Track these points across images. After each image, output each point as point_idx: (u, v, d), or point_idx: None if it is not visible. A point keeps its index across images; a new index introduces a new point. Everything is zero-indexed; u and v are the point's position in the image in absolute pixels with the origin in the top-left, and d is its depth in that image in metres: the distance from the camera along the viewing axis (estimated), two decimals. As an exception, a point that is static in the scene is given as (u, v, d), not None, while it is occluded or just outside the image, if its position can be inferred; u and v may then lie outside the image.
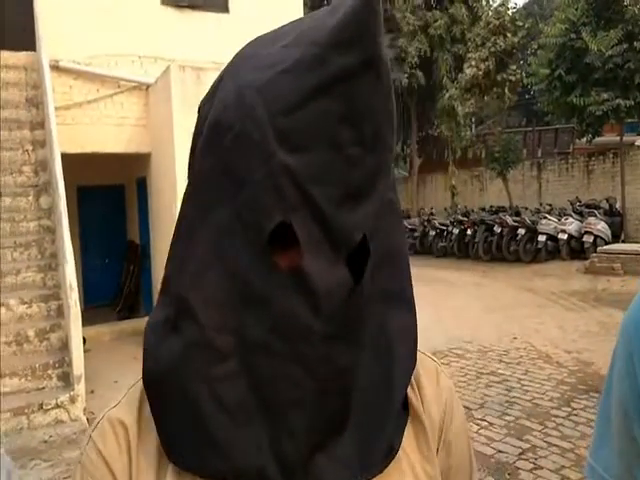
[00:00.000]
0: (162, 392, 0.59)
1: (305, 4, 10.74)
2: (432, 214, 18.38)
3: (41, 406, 5.10)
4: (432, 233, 16.88)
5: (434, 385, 0.72)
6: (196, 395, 0.56)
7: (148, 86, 8.63)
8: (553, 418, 4.74)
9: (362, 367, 0.60)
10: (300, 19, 0.62)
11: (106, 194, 10.99)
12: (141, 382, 0.64)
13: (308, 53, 0.54)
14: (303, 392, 0.56)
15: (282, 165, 0.53)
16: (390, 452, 0.62)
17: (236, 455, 0.56)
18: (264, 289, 0.55)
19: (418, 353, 0.69)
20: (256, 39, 0.63)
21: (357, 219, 0.56)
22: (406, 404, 0.66)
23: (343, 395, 0.59)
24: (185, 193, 0.62)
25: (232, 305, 0.56)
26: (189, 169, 0.65)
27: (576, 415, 4.77)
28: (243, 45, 0.64)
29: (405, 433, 0.65)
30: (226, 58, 0.69)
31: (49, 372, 5.44)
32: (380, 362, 0.62)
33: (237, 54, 0.63)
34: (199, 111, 0.64)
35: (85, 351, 5.61)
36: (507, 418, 4.80)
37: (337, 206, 0.55)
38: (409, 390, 0.68)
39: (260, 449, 0.56)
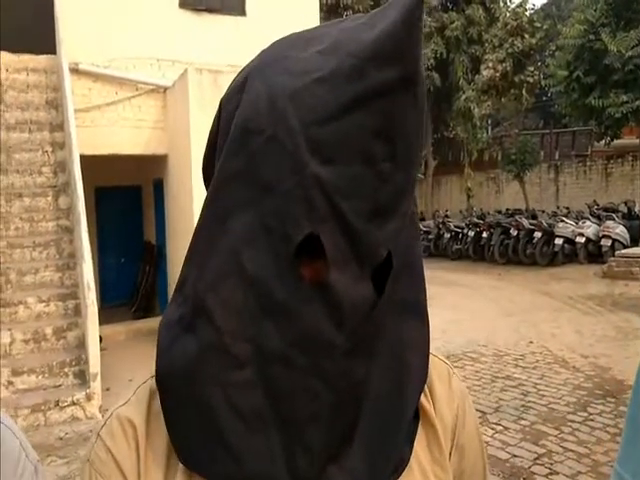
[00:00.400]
0: (175, 391, 0.58)
1: (321, 8, 10.76)
2: (447, 216, 18.28)
3: (57, 403, 5.17)
4: (447, 235, 16.79)
5: (446, 388, 0.71)
6: (210, 398, 0.56)
7: (166, 89, 8.71)
8: (569, 423, 4.70)
9: (375, 377, 0.59)
10: (330, 25, 0.60)
11: (123, 195, 11.10)
12: (150, 380, 0.63)
13: (346, 64, 0.52)
14: (321, 406, 0.55)
15: (314, 176, 0.52)
16: (400, 465, 0.61)
17: (249, 462, 0.55)
18: (288, 300, 0.54)
19: (430, 356, 0.69)
20: (285, 39, 0.61)
21: (384, 235, 0.55)
22: (417, 413, 0.65)
23: (355, 406, 0.58)
24: (208, 193, 0.60)
25: (251, 313, 0.55)
26: (204, 169, 0.64)
27: (592, 420, 4.72)
28: (262, 48, 0.63)
29: (417, 437, 0.65)
30: (243, 61, 0.68)
31: (66, 370, 5.51)
32: (393, 372, 0.62)
33: (265, 53, 0.61)
34: (220, 109, 0.63)
35: (101, 350, 5.67)
36: (522, 422, 4.76)
37: (366, 221, 0.54)
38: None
39: (274, 459, 0.55)
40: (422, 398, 0.67)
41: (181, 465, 0.59)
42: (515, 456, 4.17)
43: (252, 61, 0.62)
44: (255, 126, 0.55)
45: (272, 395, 0.55)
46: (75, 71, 7.98)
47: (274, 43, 0.62)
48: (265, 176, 0.54)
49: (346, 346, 0.55)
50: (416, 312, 0.65)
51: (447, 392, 0.71)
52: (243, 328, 0.55)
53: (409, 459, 0.62)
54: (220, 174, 0.58)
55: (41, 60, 8.17)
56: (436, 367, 0.72)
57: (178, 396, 0.58)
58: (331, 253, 0.53)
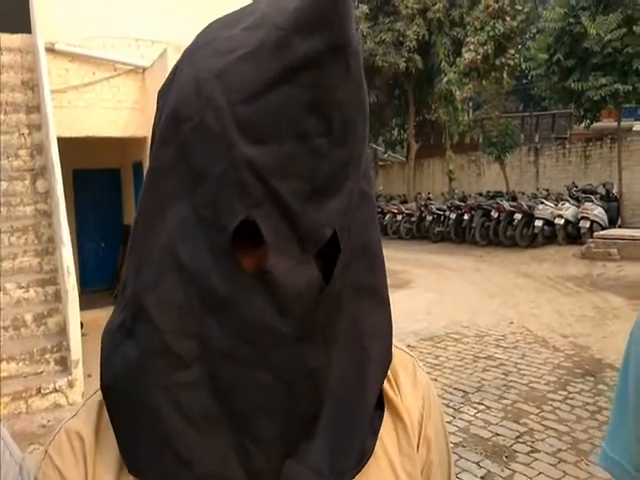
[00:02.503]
0: (120, 401, 0.56)
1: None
2: (429, 199, 18.37)
3: (39, 390, 5.11)
4: (429, 218, 16.88)
5: (412, 380, 0.70)
6: (155, 404, 0.53)
7: (144, 69, 8.57)
8: (550, 402, 4.78)
9: (333, 366, 0.57)
10: None
11: (102, 178, 10.95)
12: (100, 391, 0.60)
13: (270, 37, 0.50)
14: (272, 398, 0.53)
15: (244, 158, 0.49)
16: (363, 456, 0.59)
17: (200, 465, 0.53)
18: (227, 292, 0.51)
19: (395, 349, 0.67)
20: (217, 20, 0.59)
21: (326, 215, 0.52)
22: (381, 402, 0.63)
23: (313, 397, 0.56)
24: (142, 188, 0.57)
25: (192, 309, 0.52)
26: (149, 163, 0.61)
27: (572, 399, 4.80)
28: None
29: (385, 429, 0.63)
30: None
31: (47, 357, 5.44)
32: (353, 360, 0.59)
33: (197, 36, 0.58)
34: (158, 100, 0.60)
35: (82, 335, 5.60)
36: (504, 402, 4.84)
37: (304, 201, 0.51)
38: (387, 386, 0.66)
39: (226, 459, 0.53)
40: (389, 390, 0.66)
41: (132, 477, 0.57)
42: (497, 435, 4.23)
43: (186, 47, 0.59)
44: (184, 113, 0.52)
45: (220, 392, 0.53)
46: (51, 51, 7.81)
47: (207, 25, 0.59)
48: (196, 164, 0.52)
49: (294, 333, 0.52)
50: (375, 296, 0.63)
51: (412, 384, 0.69)
52: (185, 326, 0.53)
53: (373, 449, 0.60)
54: (152, 165, 0.56)
55: (16, 39, 7.97)
56: (401, 359, 0.70)
57: (123, 405, 0.56)
58: (269, 238, 0.50)
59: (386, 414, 0.64)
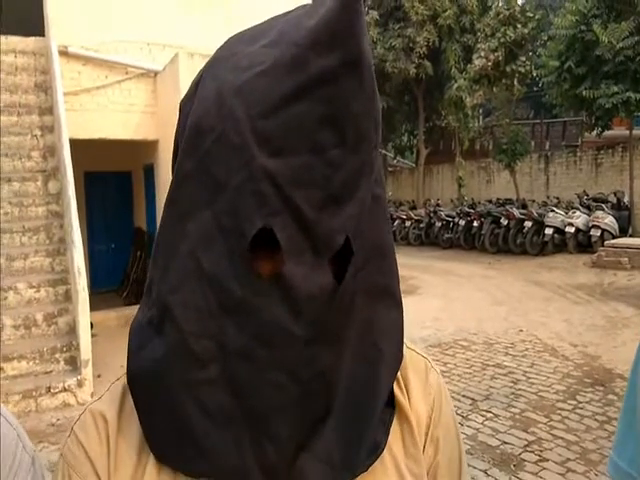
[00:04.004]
0: (145, 392, 0.60)
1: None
2: (438, 205, 18.35)
3: (49, 389, 5.14)
4: (438, 224, 16.84)
5: (422, 382, 0.71)
6: (178, 398, 0.57)
7: (156, 73, 8.62)
8: (559, 411, 4.74)
9: (345, 364, 0.60)
10: (281, 16, 0.60)
11: (113, 180, 11.02)
12: (123, 378, 0.64)
13: (287, 54, 0.53)
14: (286, 398, 0.56)
15: (262, 169, 0.52)
16: (375, 451, 0.61)
17: (218, 458, 0.56)
18: (245, 296, 0.54)
19: (407, 349, 0.69)
20: (236, 35, 0.62)
21: (340, 222, 0.55)
22: (392, 401, 0.65)
23: (325, 395, 0.58)
24: (167, 196, 0.61)
25: (211, 311, 0.56)
26: (172, 171, 0.63)
27: (581, 408, 4.77)
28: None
29: (391, 430, 0.65)
30: None
31: (57, 356, 5.48)
32: (364, 359, 0.62)
33: (218, 50, 0.62)
34: (180, 110, 0.63)
35: (92, 336, 5.64)
36: (512, 410, 4.80)
37: (319, 210, 0.54)
38: (395, 387, 0.67)
39: (242, 453, 0.56)
40: (397, 391, 0.68)
41: (152, 459, 0.60)
42: (505, 443, 4.20)
43: (208, 61, 0.62)
44: (206, 125, 0.56)
45: (237, 391, 0.56)
46: (64, 54, 7.88)
47: (227, 40, 0.62)
48: (217, 174, 0.55)
49: (307, 335, 0.55)
50: (387, 297, 0.65)
51: (423, 386, 0.71)
52: (205, 327, 0.56)
53: (385, 444, 0.62)
54: (177, 175, 0.59)
55: (29, 42, 8.06)
56: (413, 361, 0.72)
57: (148, 396, 0.60)
58: (285, 245, 0.53)
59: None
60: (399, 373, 0.68)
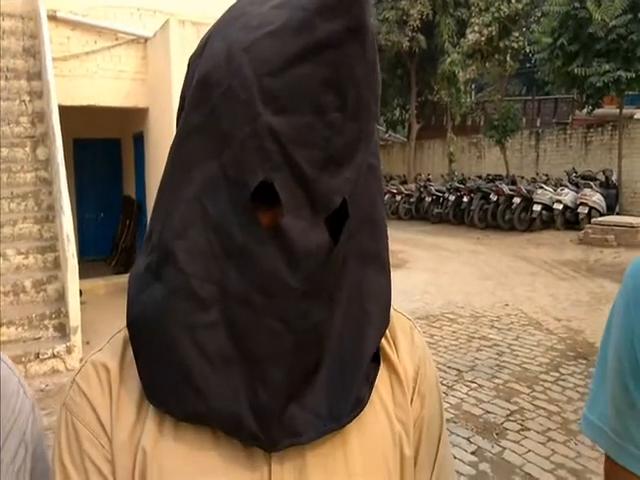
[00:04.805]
0: (145, 336, 0.61)
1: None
2: (429, 180, 18.34)
3: (38, 355, 5.16)
4: (428, 199, 16.86)
5: (409, 341, 0.75)
6: (177, 340, 0.59)
7: (146, 39, 8.49)
8: (541, 382, 4.84)
9: (336, 321, 0.63)
10: None
11: (102, 148, 10.91)
12: (124, 330, 0.66)
13: (295, 17, 0.55)
14: (280, 345, 0.58)
15: (266, 126, 0.55)
16: (359, 404, 0.64)
17: (214, 399, 0.59)
18: (246, 243, 0.57)
19: (395, 312, 0.74)
20: None
21: (338, 183, 0.58)
22: (378, 358, 0.68)
23: (317, 348, 0.61)
24: (171, 146, 0.63)
25: (215, 256, 0.58)
26: (177, 124, 0.65)
27: (564, 380, 4.87)
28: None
29: (381, 382, 0.69)
30: None
31: (45, 322, 5.49)
32: (353, 319, 0.65)
33: (227, 10, 0.63)
34: (188, 66, 0.65)
35: (81, 303, 5.65)
36: (496, 381, 4.90)
37: (319, 169, 0.56)
38: (385, 343, 0.71)
39: (237, 397, 0.59)
40: (387, 348, 0.72)
41: (152, 408, 0.62)
42: (488, 412, 4.30)
43: (217, 19, 0.64)
44: (214, 80, 0.58)
45: (235, 335, 0.59)
46: (53, 18, 7.73)
47: (237, 1, 0.64)
48: (224, 127, 0.57)
49: (303, 289, 0.57)
50: (377, 264, 0.68)
51: (409, 345, 0.75)
52: (208, 271, 0.58)
53: (368, 398, 0.65)
54: (183, 127, 0.61)
55: (17, 5, 7.88)
56: (400, 322, 0.76)
57: (148, 340, 0.61)
58: (285, 199, 0.56)
59: (383, 368, 0.70)
60: (388, 332, 0.72)
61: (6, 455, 0.69)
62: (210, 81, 0.58)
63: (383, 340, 0.70)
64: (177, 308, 0.59)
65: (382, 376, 0.69)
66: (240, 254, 0.58)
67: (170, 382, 0.60)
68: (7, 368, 0.75)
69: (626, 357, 0.72)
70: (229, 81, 0.56)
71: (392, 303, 0.71)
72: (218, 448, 0.62)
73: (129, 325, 0.63)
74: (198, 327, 0.59)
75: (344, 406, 0.63)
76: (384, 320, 0.69)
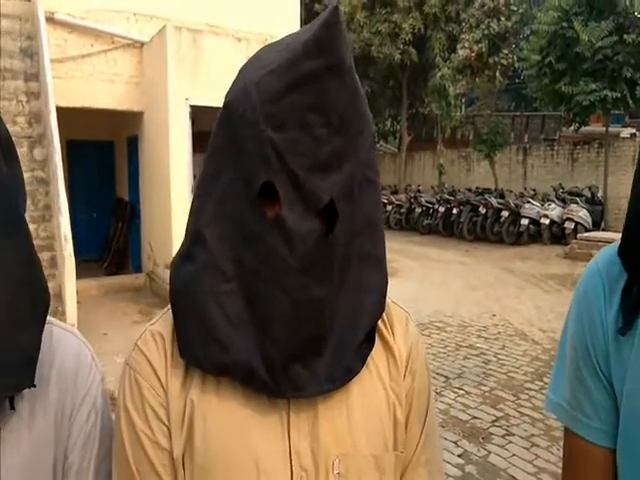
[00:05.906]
0: (181, 303, 0.79)
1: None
2: (419, 191, 18.49)
3: (32, 354, 5.16)
4: (418, 210, 16.96)
5: (403, 328, 0.90)
6: (205, 305, 0.76)
7: (143, 44, 8.56)
8: (526, 390, 4.96)
9: (337, 305, 0.78)
10: (292, 33, 0.82)
11: (95, 149, 10.91)
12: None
13: (287, 58, 0.73)
14: (283, 309, 0.74)
15: (268, 139, 0.72)
16: (351, 372, 0.80)
17: (233, 352, 0.75)
18: (256, 230, 0.75)
19: (393, 304, 0.92)
20: (265, 46, 0.84)
21: (326, 185, 0.73)
22: (372, 338, 0.83)
23: (317, 320, 0.76)
24: (205, 157, 0.82)
25: (235, 241, 0.76)
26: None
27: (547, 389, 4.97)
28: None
29: (379, 359, 0.85)
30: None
31: (40, 321, 5.48)
32: (352, 306, 0.80)
33: (251, 56, 0.84)
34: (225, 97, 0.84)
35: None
36: (483, 388, 5.01)
37: (308, 172, 0.72)
38: (383, 328, 0.87)
39: (251, 350, 0.75)
40: (385, 332, 0.88)
41: (197, 373, 0.78)
42: (475, 418, 4.40)
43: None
44: (234, 106, 0.77)
45: (249, 301, 0.76)
46: (50, 20, 7.78)
47: (261, 48, 0.85)
48: (239, 142, 0.76)
49: (299, 266, 0.73)
50: (376, 263, 0.84)
51: (404, 331, 0.90)
52: (228, 252, 0.76)
53: (359, 369, 0.80)
54: (213, 142, 0.81)
55: (16, 6, 7.91)
56: (397, 312, 0.92)
57: (183, 306, 0.79)
58: (283, 196, 0.73)
59: (380, 348, 0.86)
60: (387, 319, 0.88)
61: (81, 417, 0.84)
62: (232, 107, 0.78)
63: (382, 325, 0.87)
64: (204, 279, 0.77)
65: (380, 355, 0.86)
66: (251, 239, 0.75)
67: (200, 337, 0.76)
68: (83, 344, 0.89)
69: (579, 346, 0.87)
70: (243, 106, 0.75)
71: (388, 297, 0.87)
72: (248, 401, 0.78)
73: (170, 296, 0.81)
74: (221, 294, 0.76)
75: (339, 373, 0.78)
76: (378, 308, 0.84)
